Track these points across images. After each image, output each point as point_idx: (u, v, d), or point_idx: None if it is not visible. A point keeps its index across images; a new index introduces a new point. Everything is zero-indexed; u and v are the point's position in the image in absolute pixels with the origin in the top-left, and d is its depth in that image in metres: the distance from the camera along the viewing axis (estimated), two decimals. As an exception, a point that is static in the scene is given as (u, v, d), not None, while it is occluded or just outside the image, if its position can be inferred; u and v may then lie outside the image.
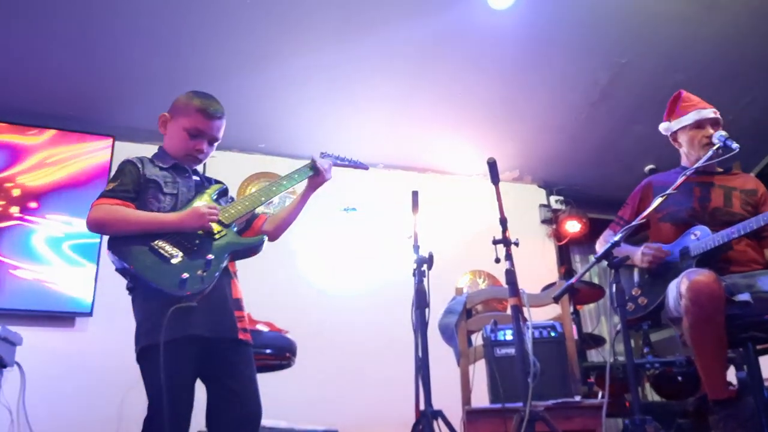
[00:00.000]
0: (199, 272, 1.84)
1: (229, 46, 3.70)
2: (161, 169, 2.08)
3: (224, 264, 1.93)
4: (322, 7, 3.51)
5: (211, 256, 1.89)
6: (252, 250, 2.07)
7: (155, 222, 1.93)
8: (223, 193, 2.20)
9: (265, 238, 2.11)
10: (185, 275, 1.81)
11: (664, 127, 2.87)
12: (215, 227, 1.99)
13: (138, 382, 1.88)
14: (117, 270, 1.90)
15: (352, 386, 4.06)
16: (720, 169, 2.74)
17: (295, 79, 4.00)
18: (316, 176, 2.27)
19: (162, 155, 2.14)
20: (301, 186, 2.33)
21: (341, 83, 4.09)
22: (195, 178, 2.16)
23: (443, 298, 3.19)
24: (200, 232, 1.95)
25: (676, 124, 2.80)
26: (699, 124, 2.73)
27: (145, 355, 1.86)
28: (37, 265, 3.72)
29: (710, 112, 2.73)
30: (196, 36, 3.61)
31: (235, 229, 2.08)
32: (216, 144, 2.19)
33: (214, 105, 2.14)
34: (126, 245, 1.87)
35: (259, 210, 2.23)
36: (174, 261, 1.85)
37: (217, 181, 2.24)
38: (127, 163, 2.06)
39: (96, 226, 1.93)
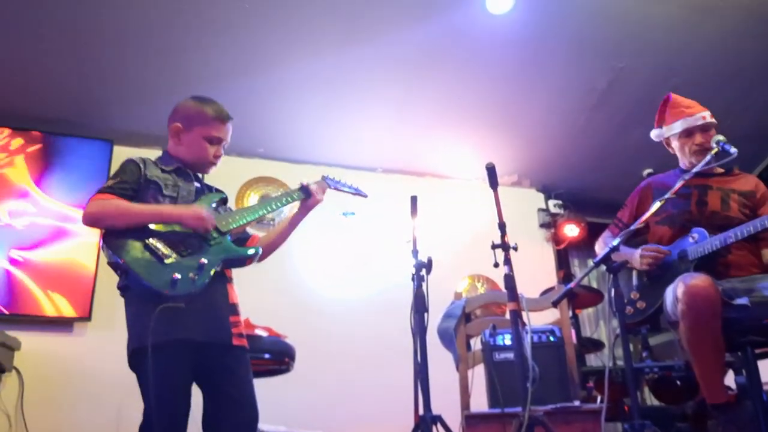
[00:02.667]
0: (191, 275, 1.84)
1: (228, 51, 3.70)
2: (163, 171, 2.09)
3: (216, 270, 1.93)
4: (321, 12, 3.52)
5: (204, 261, 1.89)
6: (245, 260, 2.07)
7: (152, 213, 1.93)
8: (223, 201, 2.21)
9: (260, 250, 2.10)
10: (176, 276, 1.81)
11: (655, 134, 2.86)
12: (212, 233, 1.99)
13: (136, 387, 1.88)
14: (109, 263, 1.89)
15: (351, 391, 4.05)
16: (720, 170, 2.72)
17: (295, 84, 4.01)
18: (307, 199, 2.28)
19: (166, 159, 2.15)
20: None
21: (340, 88, 4.09)
22: (197, 184, 2.17)
23: (442, 302, 3.19)
24: (196, 238, 1.95)
25: (666, 131, 2.79)
26: (688, 132, 2.72)
27: (136, 358, 1.85)
28: (35, 269, 3.72)
29: (698, 119, 2.68)
30: (195, 40, 3.61)
31: (231, 239, 2.08)
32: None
33: (224, 109, 2.19)
34: (120, 239, 1.87)
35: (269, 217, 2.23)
36: (167, 261, 1.85)
37: (218, 190, 2.24)
38: (129, 162, 2.07)
39: (91, 219, 1.92)
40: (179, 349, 1.85)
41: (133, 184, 2.00)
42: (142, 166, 2.05)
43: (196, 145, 2.14)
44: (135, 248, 1.85)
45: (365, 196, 2.67)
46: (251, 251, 2.08)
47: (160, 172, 2.07)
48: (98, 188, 2.00)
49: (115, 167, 2.10)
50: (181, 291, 1.80)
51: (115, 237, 1.88)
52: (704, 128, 2.69)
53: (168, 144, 2.19)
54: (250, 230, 2.27)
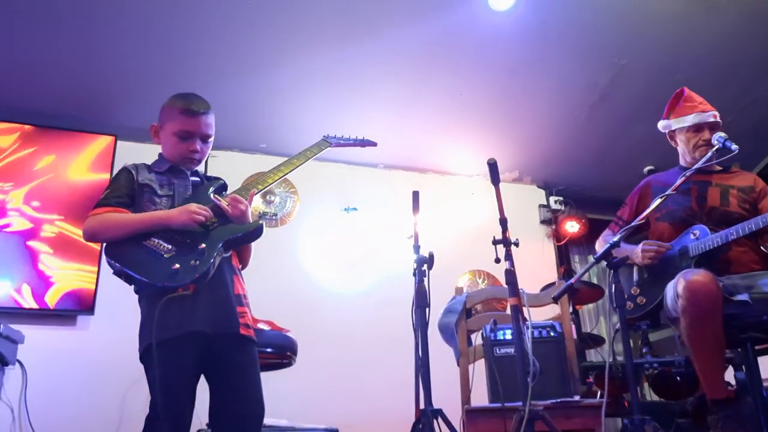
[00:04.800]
0: (192, 262, 1.86)
1: (232, 47, 3.71)
2: (157, 173, 2.12)
3: (218, 253, 1.93)
4: (324, 9, 3.53)
5: (203, 246, 1.91)
6: (248, 237, 2.05)
7: (143, 221, 1.96)
8: (222, 188, 2.21)
9: (263, 223, 2.09)
10: (176, 266, 1.84)
11: (662, 125, 2.88)
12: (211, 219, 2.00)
13: (139, 380, 1.90)
14: (114, 273, 1.93)
15: (353, 385, 4.07)
16: (719, 168, 2.75)
17: (297, 79, 4.01)
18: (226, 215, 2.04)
19: (160, 161, 2.18)
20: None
21: (343, 84, 4.10)
22: (193, 178, 2.18)
23: (443, 297, 3.21)
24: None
25: (675, 123, 2.81)
26: (698, 128, 2.74)
27: (147, 353, 1.87)
28: (39, 263, 3.73)
29: (710, 116, 2.72)
30: (199, 36, 3.62)
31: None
32: (210, 140, 2.19)
33: (197, 103, 2.14)
34: (120, 247, 1.92)
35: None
36: (167, 255, 1.88)
37: (216, 178, 2.25)
38: (122, 171, 2.12)
39: (89, 236, 1.99)
40: (188, 343, 1.87)
41: (128, 191, 2.05)
42: (134, 172, 2.09)
43: (167, 142, 2.15)
44: (134, 252, 1.89)
45: (374, 144, 2.66)
46: (251, 225, 2.05)
47: (154, 175, 2.11)
48: (96, 203, 2.04)
49: (118, 162, 2.13)
50: (183, 279, 1.82)
51: (116, 246, 1.93)
52: (713, 126, 2.72)
53: None
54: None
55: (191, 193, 2.12)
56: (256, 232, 2.05)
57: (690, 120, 2.76)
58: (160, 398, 1.80)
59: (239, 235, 2.02)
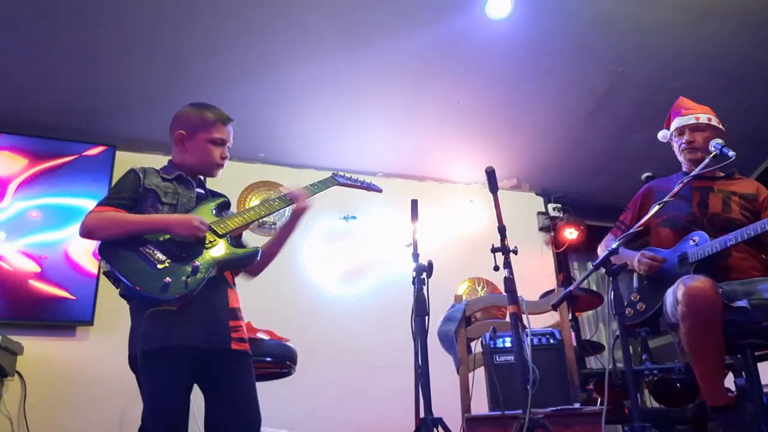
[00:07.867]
0: (184, 278, 1.86)
1: (230, 56, 3.72)
2: (164, 179, 2.12)
3: (211, 273, 1.94)
4: (323, 18, 3.54)
5: (197, 263, 1.91)
6: (244, 261, 2.09)
7: (143, 222, 1.96)
8: (225, 206, 2.22)
9: (260, 249, 2.12)
10: (168, 279, 1.83)
11: (661, 135, 2.91)
12: (208, 236, 2.00)
13: (138, 391, 1.89)
14: (104, 273, 1.94)
15: (352, 394, 4.06)
16: (721, 174, 2.76)
17: (295, 89, 4.03)
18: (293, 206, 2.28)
19: (169, 167, 2.18)
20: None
21: (342, 93, 4.11)
22: (198, 190, 2.19)
23: (442, 305, 3.20)
24: (192, 242, 1.97)
25: (668, 133, 2.87)
26: (680, 131, 2.79)
27: (134, 362, 1.87)
28: (37, 274, 3.73)
29: (690, 118, 2.75)
30: (196, 46, 3.63)
31: (232, 242, 2.09)
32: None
33: (224, 112, 2.24)
34: (114, 248, 1.90)
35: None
36: (160, 266, 1.87)
37: (221, 195, 2.26)
38: (129, 173, 2.11)
39: (85, 232, 1.96)
40: (178, 355, 1.87)
41: (131, 193, 2.04)
42: (141, 175, 2.09)
43: (201, 150, 2.17)
44: (128, 256, 1.88)
45: (379, 191, 2.68)
46: (249, 251, 2.09)
47: (161, 181, 2.10)
48: (98, 201, 2.05)
49: (117, 172, 2.13)
50: (172, 294, 1.82)
51: (110, 247, 1.91)
52: (695, 128, 2.74)
53: (172, 152, 2.22)
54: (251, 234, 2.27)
55: (194, 205, 2.12)
56: (253, 257, 2.09)
57: (674, 125, 2.82)
58: (148, 409, 1.80)
59: (235, 259, 2.04)
